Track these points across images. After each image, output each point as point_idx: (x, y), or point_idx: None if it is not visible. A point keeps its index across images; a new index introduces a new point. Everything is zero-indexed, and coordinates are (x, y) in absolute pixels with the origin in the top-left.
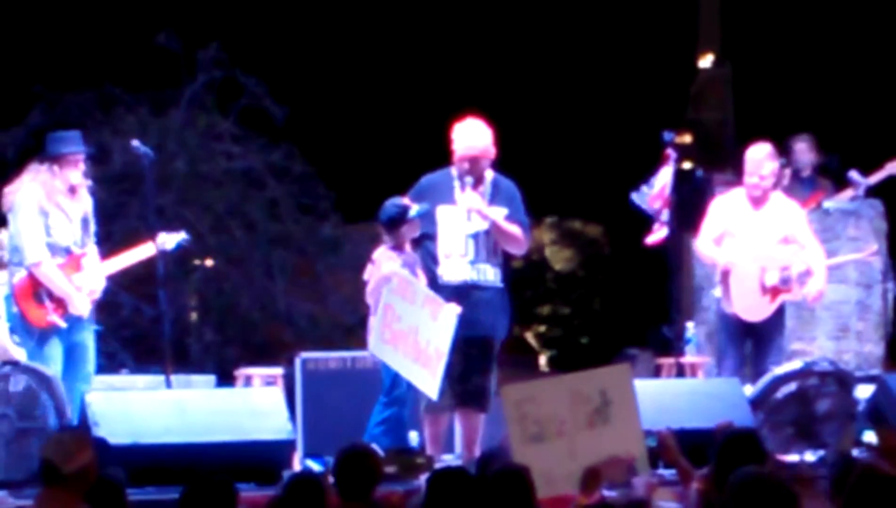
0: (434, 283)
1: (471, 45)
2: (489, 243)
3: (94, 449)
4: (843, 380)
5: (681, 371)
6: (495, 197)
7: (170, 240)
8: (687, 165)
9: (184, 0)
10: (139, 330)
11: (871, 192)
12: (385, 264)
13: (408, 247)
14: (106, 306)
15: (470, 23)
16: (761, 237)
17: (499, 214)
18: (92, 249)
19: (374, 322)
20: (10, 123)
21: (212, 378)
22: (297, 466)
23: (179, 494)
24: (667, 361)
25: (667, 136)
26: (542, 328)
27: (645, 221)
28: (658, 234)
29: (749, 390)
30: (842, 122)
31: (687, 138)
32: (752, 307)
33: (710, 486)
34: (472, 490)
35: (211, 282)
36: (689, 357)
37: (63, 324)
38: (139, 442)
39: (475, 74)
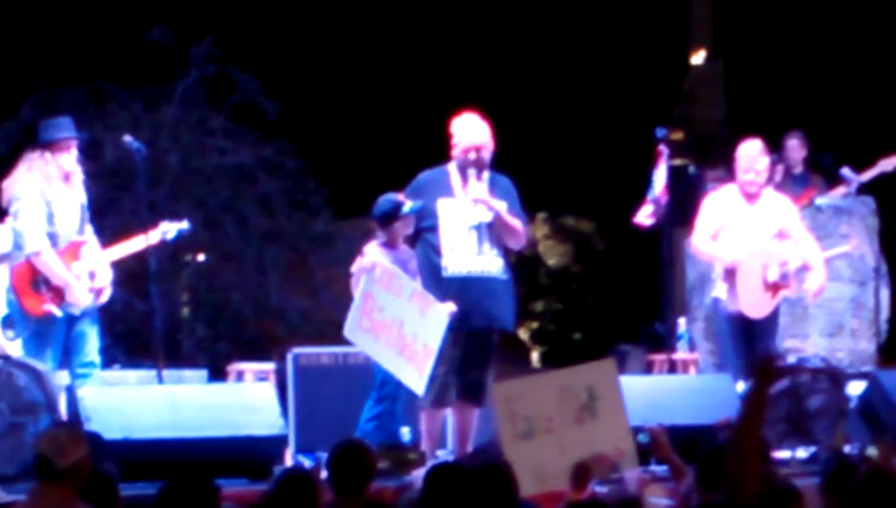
0: (437, 275)
1: (464, 42)
2: (491, 235)
3: (89, 444)
4: (834, 377)
5: (673, 367)
6: (493, 192)
7: (172, 229)
8: (679, 162)
9: None
10: (131, 325)
11: (864, 189)
12: (368, 255)
13: (402, 243)
14: None
15: (463, 20)
16: (757, 232)
17: (502, 207)
18: (91, 237)
19: (351, 309)
20: (1, 118)
21: (204, 373)
22: (289, 461)
23: (158, 490)
24: (659, 357)
25: (659, 132)
26: (535, 324)
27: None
28: (644, 211)
29: (741, 386)
30: (834, 118)
31: (679, 135)
32: (756, 304)
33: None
34: (469, 485)
35: (203, 277)
36: (681, 354)
37: (59, 313)
38: (131, 437)
39: (468, 71)
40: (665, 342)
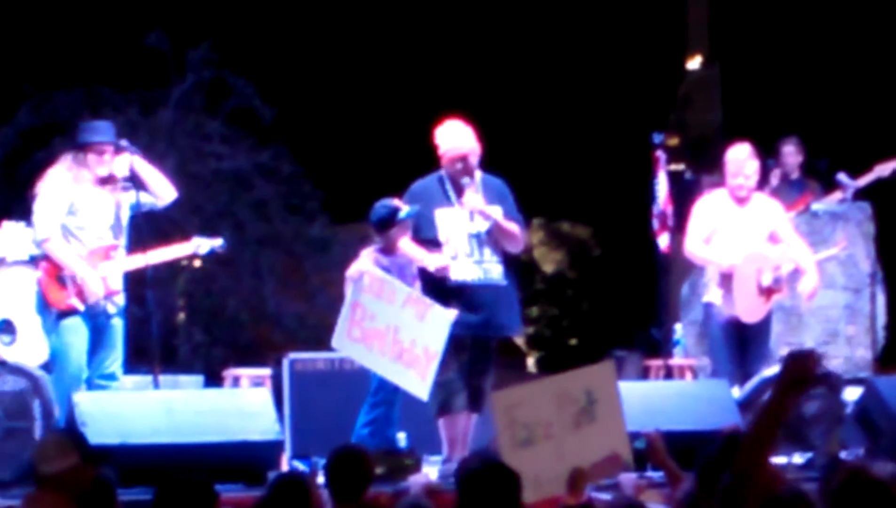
0: (441, 285)
1: (460, 47)
2: (490, 241)
3: (84, 454)
4: (831, 383)
5: (669, 373)
6: (487, 197)
7: (205, 245)
8: (676, 167)
9: (174, 1)
10: (127, 331)
11: (860, 194)
12: (359, 262)
13: (401, 249)
14: None
15: (459, 25)
16: (749, 236)
17: (498, 213)
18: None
19: (339, 320)
20: None
21: (200, 379)
22: (284, 467)
23: (153, 495)
24: (655, 363)
25: (656, 138)
26: (531, 330)
27: (635, 223)
28: (664, 238)
29: (737, 392)
30: (830, 124)
31: (675, 140)
32: (751, 309)
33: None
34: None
35: (199, 283)
36: (677, 359)
37: (81, 307)
38: (127, 443)
39: (464, 76)
40: (661, 347)
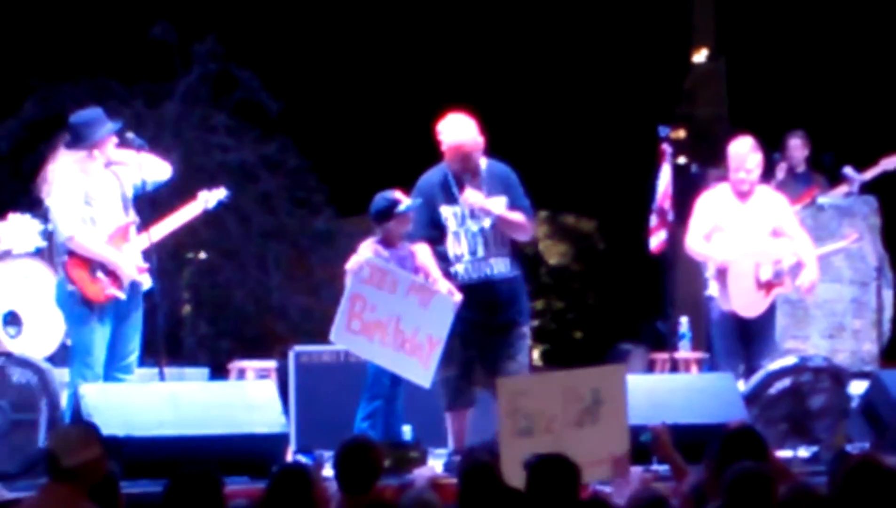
0: (450, 283)
1: (464, 38)
2: (496, 235)
3: (103, 446)
4: (837, 376)
5: (675, 367)
6: (492, 186)
7: (211, 198)
8: (681, 161)
9: None
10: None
11: (866, 188)
12: (359, 253)
13: (401, 241)
14: None
15: (464, 17)
16: (751, 231)
17: (500, 205)
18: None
19: (337, 313)
20: (3, 115)
21: (205, 371)
22: (289, 459)
23: (163, 487)
24: (661, 356)
25: (661, 131)
26: (536, 323)
27: (641, 216)
28: (658, 236)
29: (742, 385)
30: (836, 118)
31: (681, 134)
32: (749, 304)
33: (710, 480)
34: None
35: (204, 275)
36: (683, 353)
37: (122, 296)
38: (132, 435)
39: (468, 68)
40: (667, 340)
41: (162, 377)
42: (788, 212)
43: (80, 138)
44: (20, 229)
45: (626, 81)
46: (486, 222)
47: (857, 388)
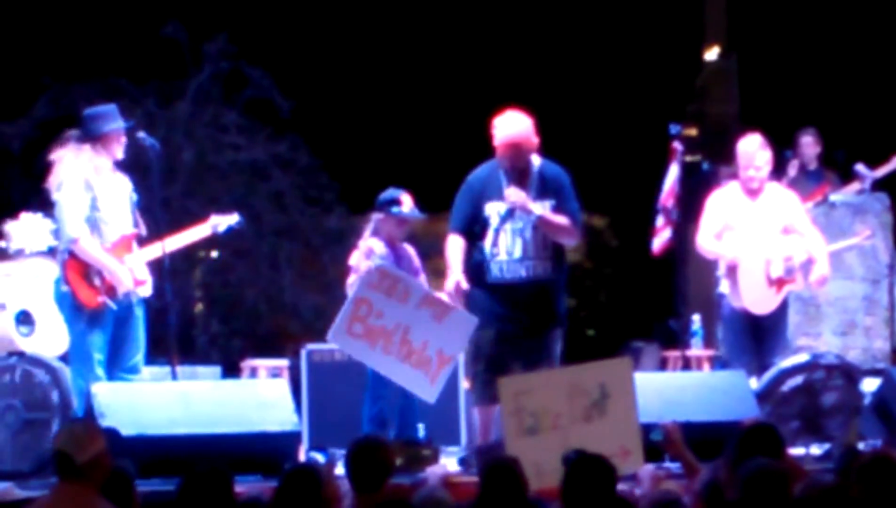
0: (483, 280)
1: (476, 36)
2: (537, 237)
3: (106, 440)
4: (849, 373)
5: (687, 364)
6: (541, 187)
7: (223, 222)
8: (693, 158)
9: None
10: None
11: (878, 185)
12: (357, 250)
13: (402, 242)
14: None
15: (475, 15)
16: (761, 228)
17: (543, 207)
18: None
19: (339, 314)
20: (15, 115)
21: (217, 370)
22: (302, 458)
23: (176, 486)
24: (672, 354)
25: (673, 129)
26: None
27: (652, 213)
28: (662, 236)
29: (755, 383)
30: (848, 115)
31: (693, 131)
32: (760, 300)
33: (727, 477)
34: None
35: (217, 274)
36: (694, 350)
37: (114, 306)
38: (144, 433)
39: (480, 66)
40: (679, 338)
41: (174, 376)
42: (799, 209)
43: (87, 131)
44: (32, 228)
45: (639, 78)
46: (520, 224)
47: (870, 385)
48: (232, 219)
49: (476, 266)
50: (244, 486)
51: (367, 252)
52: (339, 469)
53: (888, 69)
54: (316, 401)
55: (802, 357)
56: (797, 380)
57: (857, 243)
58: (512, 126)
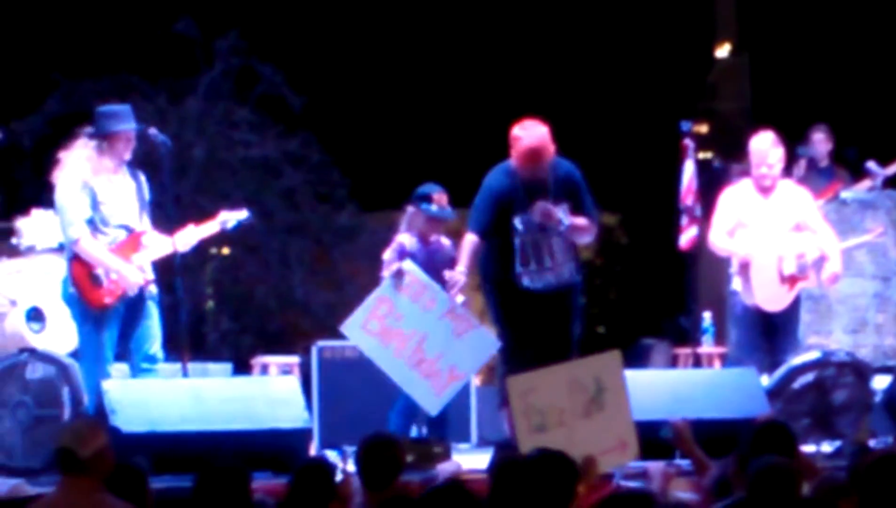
0: (511, 287)
1: (488, 34)
2: (563, 243)
3: (108, 435)
4: (860, 371)
5: (697, 361)
6: (558, 191)
7: (232, 218)
8: (704, 156)
9: None
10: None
11: (889, 182)
12: (393, 245)
13: (434, 238)
14: None
15: (485, 13)
16: (774, 226)
17: (565, 212)
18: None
19: (359, 307)
20: (26, 111)
21: (228, 367)
22: (313, 454)
23: (192, 481)
24: (683, 351)
25: (684, 126)
26: None
27: (663, 211)
28: (689, 233)
29: (766, 380)
30: (859, 112)
31: (704, 128)
32: (773, 298)
33: (738, 473)
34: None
35: (227, 270)
36: (705, 347)
37: (119, 306)
38: (155, 430)
39: (492, 63)
40: (689, 335)
41: (185, 373)
42: (811, 206)
43: (96, 128)
44: (43, 224)
45: (650, 75)
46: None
47: (881, 383)
48: (241, 215)
49: (504, 279)
50: (255, 483)
51: (398, 248)
52: (350, 466)
53: None
54: (327, 398)
55: (813, 355)
56: (808, 377)
57: (870, 240)
58: (532, 136)
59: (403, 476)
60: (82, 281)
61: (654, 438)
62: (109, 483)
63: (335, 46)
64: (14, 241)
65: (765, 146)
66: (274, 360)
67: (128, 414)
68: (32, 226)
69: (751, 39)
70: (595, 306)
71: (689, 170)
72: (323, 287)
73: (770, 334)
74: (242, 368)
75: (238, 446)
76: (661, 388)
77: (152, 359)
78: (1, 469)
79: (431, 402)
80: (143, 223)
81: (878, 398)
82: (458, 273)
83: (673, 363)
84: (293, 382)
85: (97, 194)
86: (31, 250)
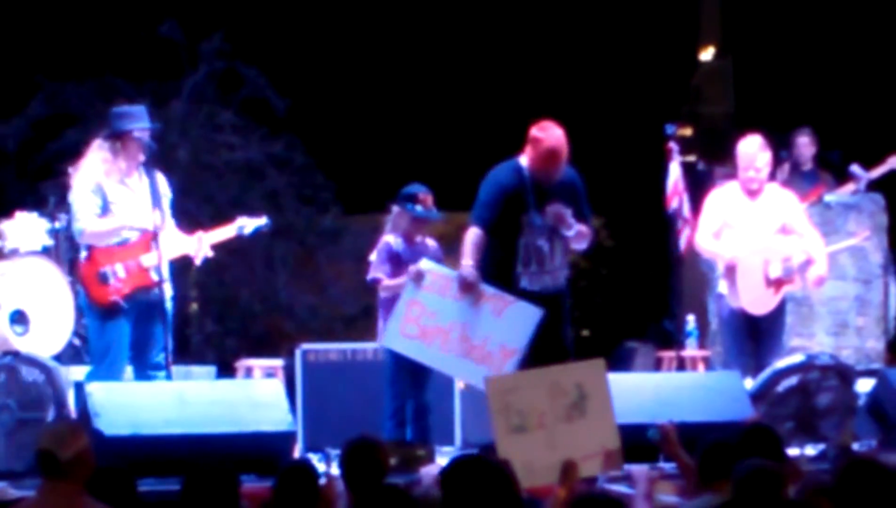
0: (511, 288)
1: (471, 36)
2: (563, 248)
3: (89, 437)
4: (844, 374)
5: (682, 365)
6: (562, 195)
7: (249, 224)
8: (688, 159)
9: None
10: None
11: (873, 186)
12: (378, 247)
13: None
14: None
15: (469, 15)
16: (760, 228)
17: (572, 220)
18: (170, 226)
19: (390, 318)
20: (10, 114)
21: (212, 370)
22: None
23: (181, 483)
24: (668, 354)
25: (668, 129)
26: None
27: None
28: (685, 236)
29: (750, 383)
30: (843, 115)
31: (688, 132)
32: (758, 301)
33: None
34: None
35: (211, 273)
36: (689, 351)
37: (124, 304)
38: (139, 433)
39: (475, 66)
40: (674, 339)
41: (169, 376)
42: (798, 209)
43: (109, 129)
44: (27, 227)
45: (633, 78)
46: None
47: (864, 386)
48: (260, 221)
49: (501, 279)
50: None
51: (384, 249)
52: (335, 469)
53: (883, 70)
54: (311, 401)
55: (797, 358)
56: (792, 381)
57: (855, 243)
58: (553, 137)
59: (387, 479)
60: (90, 280)
61: (639, 440)
62: (93, 487)
63: (319, 50)
64: None
65: (752, 150)
66: (258, 363)
67: (111, 417)
68: (16, 229)
69: (735, 43)
70: (579, 309)
71: (674, 172)
72: (307, 290)
73: (756, 337)
74: (226, 371)
75: (222, 449)
76: (644, 391)
77: (158, 366)
78: None
79: None
80: (160, 223)
81: (861, 402)
82: (468, 268)
83: (657, 366)
84: (277, 385)
85: (108, 196)
86: (14, 252)
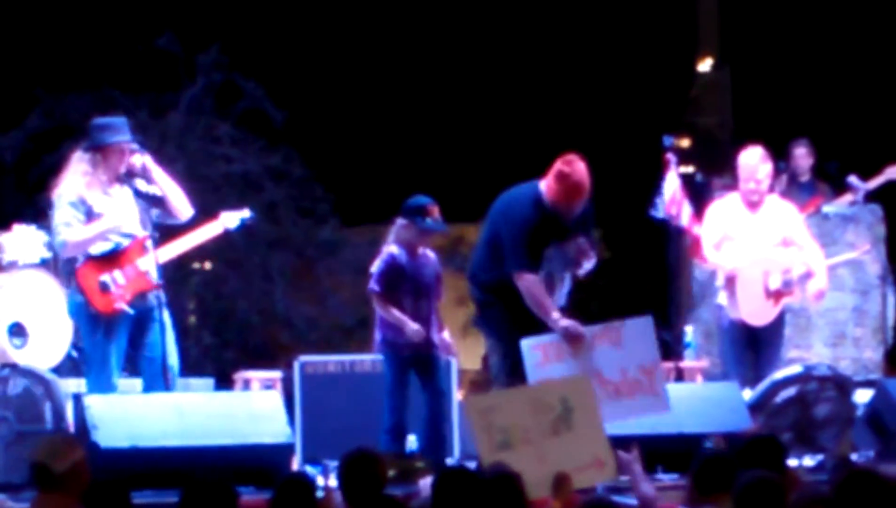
0: (520, 310)
1: (467, 48)
2: (573, 273)
3: (84, 450)
4: (842, 385)
5: (680, 376)
6: (577, 224)
7: (232, 218)
8: (686, 170)
9: (184, 3)
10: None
11: (870, 197)
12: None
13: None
14: None
15: (467, 25)
16: (760, 240)
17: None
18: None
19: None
20: (8, 126)
21: (210, 382)
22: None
23: (179, 496)
24: (666, 365)
25: (666, 140)
26: None
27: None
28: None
29: (748, 394)
30: (841, 126)
31: (686, 142)
32: (758, 312)
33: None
34: (479, 492)
35: (209, 285)
36: (688, 362)
37: (130, 310)
38: (137, 446)
39: (472, 78)
40: (672, 350)
41: (173, 381)
42: (798, 221)
43: (90, 141)
44: (25, 240)
45: (631, 89)
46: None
47: (862, 397)
48: (243, 214)
49: (516, 300)
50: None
51: (387, 259)
52: (333, 481)
53: (880, 81)
54: (309, 413)
55: (795, 369)
56: (790, 392)
57: (856, 257)
58: (580, 172)
59: (385, 491)
60: (90, 288)
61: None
62: (88, 500)
63: (317, 62)
64: None
65: (753, 161)
66: (256, 375)
67: (109, 430)
68: (14, 241)
69: (733, 54)
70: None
71: (673, 182)
72: (305, 302)
73: (755, 348)
74: (224, 383)
75: (220, 461)
76: None
77: (169, 368)
78: None
79: (656, 405)
80: (146, 231)
81: (859, 413)
82: (560, 319)
83: None
84: (275, 397)
85: (93, 208)
86: (12, 265)
